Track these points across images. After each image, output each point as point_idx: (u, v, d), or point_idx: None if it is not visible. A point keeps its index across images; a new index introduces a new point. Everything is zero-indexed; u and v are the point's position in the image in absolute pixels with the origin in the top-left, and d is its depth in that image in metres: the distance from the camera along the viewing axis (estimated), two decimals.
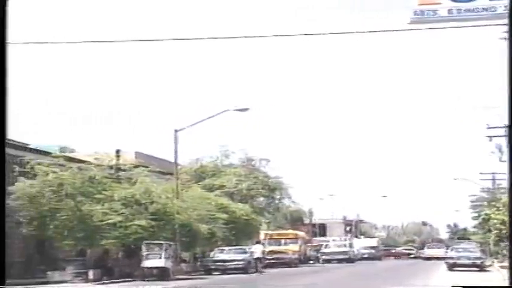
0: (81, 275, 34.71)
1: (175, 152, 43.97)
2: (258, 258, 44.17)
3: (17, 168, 34.89)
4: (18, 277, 35.57)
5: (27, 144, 41.54)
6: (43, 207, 35.66)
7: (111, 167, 41.79)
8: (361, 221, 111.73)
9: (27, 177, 35.37)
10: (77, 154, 44.95)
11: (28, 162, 35.55)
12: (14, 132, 54.58)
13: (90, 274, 34.74)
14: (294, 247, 56.78)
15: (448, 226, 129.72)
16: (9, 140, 39.71)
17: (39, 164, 35.85)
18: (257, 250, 45.15)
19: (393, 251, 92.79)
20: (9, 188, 34.54)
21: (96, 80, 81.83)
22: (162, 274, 35.72)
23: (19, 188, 34.94)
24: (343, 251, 66.66)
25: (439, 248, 77.81)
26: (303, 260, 58.12)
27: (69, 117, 77.87)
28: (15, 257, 38.47)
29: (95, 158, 41.78)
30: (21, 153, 38.03)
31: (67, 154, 42.14)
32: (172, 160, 44.75)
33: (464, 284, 27.36)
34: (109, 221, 35.86)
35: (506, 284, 18.81)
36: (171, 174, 45.74)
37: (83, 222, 36.02)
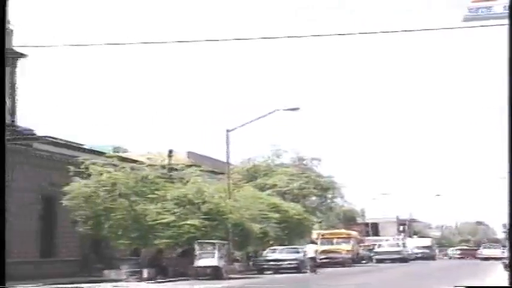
0: (135, 274, 35.02)
1: (227, 151, 44.11)
2: (312, 258, 44.09)
3: (72, 169, 35.35)
4: (74, 275, 36.14)
5: (82, 145, 42.14)
6: (98, 207, 36.07)
7: (163, 167, 42.10)
8: (414, 221, 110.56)
9: (82, 177, 35.82)
10: (130, 154, 45.44)
11: (82, 163, 35.97)
12: (69, 132, 55.47)
13: (145, 273, 35.03)
14: (347, 247, 56.48)
15: (504, 226, 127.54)
16: (64, 140, 40.41)
17: (93, 164, 36.26)
18: (311, 250, 45.04)
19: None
20: (65, 188, 35.12)
21: (150, 81, 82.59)
22: (215, 273, 35.81)
23: (74, 187, 35.42)
24: (397, 251, 66.06)
25: (495, 248, 76.44)
26: (356, 259, 57.74)
27: (123, 117, 78.76)
28: (72, 256, 39.12)
29: (148, 158, 42.11)
30: (76, 154, 38.60)
31: (120, 154, 42.64)
32: (224, 160, 44.89)
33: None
34: (162, 221, 36.09)
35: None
36: (223, 173, 45.88)
37: (136, 221, 36.32)
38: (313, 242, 48.88)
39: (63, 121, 66.47)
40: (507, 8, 14.52)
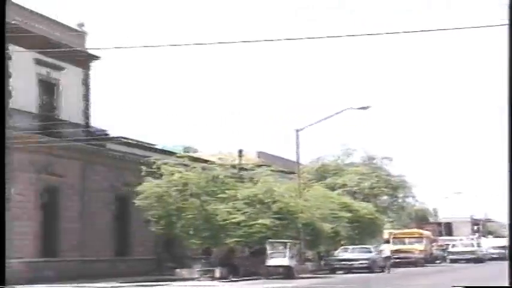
0: (208, 273, 35.26)
1: (297, 151, 44.01)
2: (387, 257, 43.61)
3: (144, 169, 35.84)
4: (148, 274, 36.63)
5: (153, 145, 42.73)
6: (170, 207, 36.46)
7: (234, 167, 42.29)
8: (489, 220, 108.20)
9: (154, 177, 36.27)
10: (200, 154, 45.80)
11: (154, 163, 36.42)
12: (141, 133, 56.28)
13: (217, 272, 35.23)
14: (420, 246, 55.68)
15: None
16: (136, 140, 41.02)
17: (165, 164, 36.68)
18: (386, 249, 44.57)
19: None
20: (138, 188, 35.63)
21: (221, 81, 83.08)
22: (286, 273, 35.77)
23: (147, 187, 35.89)
24: (471, 251, 64.78)
25: None
26: (429, 259, 56.86)
27: (193, 117, 79.38)
28: (145, 255, 39.71)
29: (219, 158, 42.34)
30: (148, 154, 39.14)
31: (191, 154, 43.01)
32: (294, 159, 44.82)
33: None
34: (233, 220, 36.23)
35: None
36: (293, 173, 45.80)
37: (207, 221, 36.56)
38: (388, 242, 48.39)
39: (135, 122, 67.49)
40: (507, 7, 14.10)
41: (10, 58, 32.33)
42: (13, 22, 32.44)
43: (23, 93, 33.03)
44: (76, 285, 29.75)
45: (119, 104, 72.97)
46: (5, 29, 10.73)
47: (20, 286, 28.56)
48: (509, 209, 13.49)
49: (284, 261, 35.88)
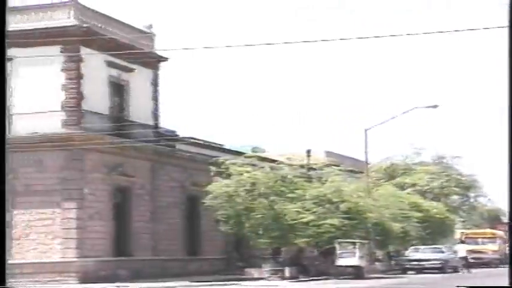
0: (277, 273, 35.20)
1: (366, 150, 43.61)
2: (463, 258, 42.82)
3: (213, 169, 36.02)
4: (218, 273, 36.82)
5: (222, 145, 42.94)
6: (239, 206, 36.54)
7: (302, 167, 42.15)
8: None
9: (223, 177, 36.43)
10: (268, 154, 45.80)
11: (223, 163, 36.58)
12: (210, 133, 56.61)
13: (287, 272, 35.15)
14: (493, 247, 54.49)
15: None
16: (205, 141, 41.31)
17: (233, 164, 36.79)
18: (461, 249, 43.76)
19: None
20: (207, 188, 35.85)
21: (289, 81, 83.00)
22: (356, 273, 35.46)
23: (216, 187, 36.07)
24: None
25: None
26: (504, 260, 55.54)
27: (261, 117, 79.62)
28: (216, 254, 39.96)
29: (287, 158, 42.25)
30: (216, 154, 39.34)
31: (259, 154, 43.04)
32: (362, 159, 44.42)
33: None
34: (302, 220, 36.08)
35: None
36: (362, 172, 45.38)
37: (276, 221, 36.50)
38: (462, 242, 47.49)
39: (204, 122, 67.96)
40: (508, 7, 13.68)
41: (82, 60, 32.94)
42: (84, 25, 33.05)
43: (95, 95, 33.58)
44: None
45: (187, 104, 73.60)
46: (5, 29, 10.61)
47: (20, 286, 28.98)
48: (510, 209, 13.15)
49: (354, 261, 35.57)
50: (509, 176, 12.37)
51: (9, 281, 31.08)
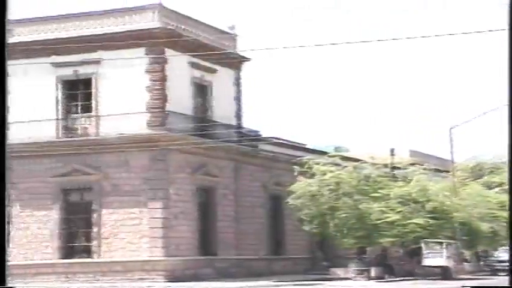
0: (363, 273, 34.84)
1: (451, 149, 42.76)
2: None
3: (297, 168, 35.92)
4: (302, 273, 36.70)
5: (304, 145, 42.86)
6: (322, 206, 36.32)
7: (386, 166, 41.60)
8: None
9: (306, 177, 36.29)
10: (352, 153, 45.44)
11: (306, 162, 36.44)
12: (292, 133, 56.51)
13: (372, 272, 34.75)
14: None
15: None
16: (287, 140, 41.27)
17: (316, 163, 36.61)
18: None
19: None
20: (290, 188, 35.78)
21: (370, 79, 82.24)
22: (443, 273, 34.76)
23: (299, 187, 35.96)
24: None
25: None
26: None
27: (344, 117, 79.13)
28: (300, 254, 39.88)
29: (370, 157, 41.77)
30: (299, 154, 39.24)
31: (342, 153, 42.74)
32: (448, 158, 43.59)
33: None
34: (387, 219, 35.59)
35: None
36: (447, 171, 44.50)
37: (361, 220, 36.12)
38: None
39: (287, 122, 67.99)
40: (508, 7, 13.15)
41: (166, 62, 33.36)
42: (168, 27, 33.48)
43: (178, 96, 33.95)
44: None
45: (270, 104, 73.77)
46: (5, 29, 10.59)
47: (20, 286, 29.27)
48: (510, 209, 12.61)
49: (441, 261, 34.89)
50: (509, 175, 12.03)
51: (99, 279, 31.74)
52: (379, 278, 34.17)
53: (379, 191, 37.01)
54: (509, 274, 17.10)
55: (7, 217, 33.69)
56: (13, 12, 33.89)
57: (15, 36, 34.52)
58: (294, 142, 42.08)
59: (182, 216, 33.43)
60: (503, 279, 35.68)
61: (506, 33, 11.84)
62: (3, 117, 11.73)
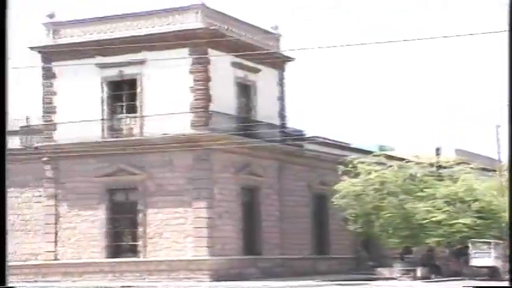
0: (409, 273, 34.48)
1: (498, 148, 42.18)
2: None
3: (341, 168, 35.73)
4: (347, 272, 36.49)
5: (349, 144, 42.64)
6: (367, 205, 36.06)
7: (431, 165, 41.14)
8: None
9: (351, 176, 36.08)
10: (396, 152, 45.04)
11: (351, 162, 36.21)
12: (337, 132, 56.21)
13: (418, 272, 34.37)
14: None
15: None
16: (332, 140, 41.07)
17: (361, 163, 36.36)
18: None
19: None
20: (335, 187, 35.60)
21: (415, 78, 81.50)
22: (492, 274, 34.19)
23: (344, 186, 35.75)
24: None
25: None
26: None
27: (388, 115, 78.50)
28: (344, 253, 39.67)
29: (415, 156, 41.34)
30: (344, 153, 39.05)
31: (387, 152, 42.40)
32: (495, 157, 43.01)
33: None
34: (433, 219, 35.18)
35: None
36: (495, 171, 43.86)
37: (406, 220, 35.77)
38: None
39: (331, 121, 67.65)
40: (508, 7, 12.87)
41: (209, 62, 33.45)
42: (211, 28, 33.57)
43: (222, 96, 34.01)
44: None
45: (314, 103, 73.57)
46: (5, 29, 10.51)
47: (19, 286, 29.32)
48: (510, 208, 12.36)
49: (489, 261, 34.32)
50: (509, 175, 11.89)
51: (147, 278, 31.94)
52: (425, 278, 33.77)
53: (425, 190, 36.62)
54: (510, 274, 17.05)
55: (55, 216, 34.23)
56: (60, 14, 34.05)
57: (62, 37, 35.02)
58: (338, 141, 41.91)
59: (226, 215, 33.47)
60: None
61: (509, 33, 11.71)
62: (3, 117, 11.76)
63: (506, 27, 12.27)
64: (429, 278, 33.91)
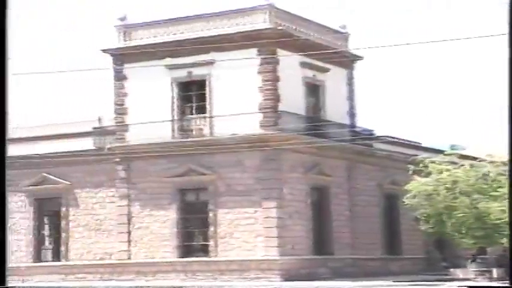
0: (484, 274, 33.79)
1: None
2: None
3: (412, 167, 35.27)
4: (419, 273, 35.97)
5: (420, 143, 42.11)
6: (439, 205, 35.45)
7: (505, 164, 40.23)
8: None
9: (422, 176, 35.56)
10: (468, 151, 44.25)
11: (422, 161, 35.70)
12: (407, 131, 55.44)
13: (494, 273, 33.65)
14: None
15: None
16: (402, 139, 40.58)
17: (432, 162, 35.80)
18: None
19: None
20: (405, 187, 35.15)
21: (486, 75, 79.95)
22: None
23: (415, 186, 35.24)
24: None
25: None
26: None
27: (460, 114, 77.21)
28: (416, 254, 39.15)
29: (487, 155, 40.48)
30: (415, 152, 38.56)
31: (459, 151, 41.69)
32: None
33: None
34: (507, 219, 34.40)
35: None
36: None
37: (479, 220, 35.03)
38: None
39: (401, 120, 66.88)
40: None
41: (278, 63, 33.45)
42: (280, 28, 33.57)
43: (291, 96, 33.97)
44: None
45: (384, 103, 72.87)
46: (5, 29, 10.42)
47: (19, 286, 29.21)
48: (509, 208, 11.90)
49: None
50: (510, 175, 11.56)
51: (219, 278, 32.09)
52: (501, 279, 33.01)
53: (499, 189, 35.81)
54: (510, 274, 16.60)
55: (127, 216, 34.74)
56: (131, 16, 34.53)
57: (133, 40, 35.54)
58: (408, 141, 41.43)
59: (296, 215, 33.41)
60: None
61: (508, 32, 11.39)
62: (3, 118, 11.85)
63: (506, 27, 12.10)
64: (505, 279, 33.14)
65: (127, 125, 35.15)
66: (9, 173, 40.78)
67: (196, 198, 34.57)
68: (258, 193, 32.71)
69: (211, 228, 33.26)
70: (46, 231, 37.63)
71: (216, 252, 33.09)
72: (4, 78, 12.16)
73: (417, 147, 41.14)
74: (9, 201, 37.28)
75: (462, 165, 36.59)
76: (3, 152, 12.18)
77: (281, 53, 33.42)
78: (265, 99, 33.15)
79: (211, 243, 33.22)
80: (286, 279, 31.39)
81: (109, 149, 35.39)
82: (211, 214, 33.39)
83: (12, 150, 36.94)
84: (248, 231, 32.60)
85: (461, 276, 34.02)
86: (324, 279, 32.29)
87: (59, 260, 36.18)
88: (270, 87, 33.18)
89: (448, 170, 35.78)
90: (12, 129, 42.89)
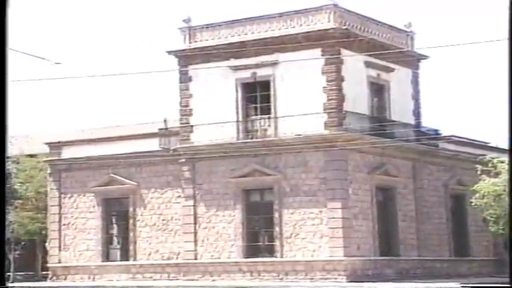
0: None
1: None
2: None
3: (479, 167, 34.65)
4: (489, 275, 35.24)
5: (487, 143, 41.36)
6: (507, 206, 34.75)
7: None
8: None
9: (490, 176, 34.89)
10: None
11: (490, 161, 35.03)
12: (475, 131, 54.39)
13: None
14: None
15: None
16: (469, 139, 39.88)
17: (501, 162, 35.08)
18: None
19: None
20: (473, 187, 34.55)
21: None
22: None
23: (483, 186, 34.60)
24: None
25: None
26: None
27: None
28: (486, 255, 38.42)
29: None
30: (482, 152, 37.86)
31: None
32: None
33: None
34: None
35: None
36: None
37: None
38: None
39: (468, 120, 65.81)
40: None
41: (342, 63, 33.28)
42: (344, 27, 33.39)
43: (355, 96, 33.77)
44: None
45: (450, 102, 71.78)
46: (6, 29, 10.34)
47: (19, 285, 29.03)
48: (509, 209, 11.40)
49: None
50: (510, 175, 11.21)
51: (284, 278, 32.07)
52: None
53: None
54: (510, 275, 16.14)
55: (193, 217, 35.00)
56: (195, 18, 34.66)
57: (197, 42, 35.83)
58: (476, 140, 40.71)
59: (362, 216, 33.18)
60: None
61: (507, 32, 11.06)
62: (3, 118, 11.92)
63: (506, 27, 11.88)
64: None
65: (192, 126, 35.45)
66: (78, 174, 41.54)
67: (261, 199, 34.63)
68: (323, 193, 32.60)
69: (277, 229, 33.27)
70: (114, 231, 38.22)
71: (282, 253, 33.08)
72: (4, 81, 12.31)
73: (484, 146, 40.41)
74: (78, 201, 38.08)
75: None
76: (3, 153, 12.37)
77: (345, 53, 33.23)
78: (329, 100, 33.01)
79: (276, 243, 33.23)
80: (352, 280, 31.19)
81: (174, 150, 35.74)
82: (276, 214, 33.40)
83: (80, 152, 37.90)
84: (313, 232, 32.51)
85: None
86: (391, 280, 31.97)
87: (127, 260, 36.68)
88: (334, 87, 33.03)
89: None
90: (81, 132, 43.78)
